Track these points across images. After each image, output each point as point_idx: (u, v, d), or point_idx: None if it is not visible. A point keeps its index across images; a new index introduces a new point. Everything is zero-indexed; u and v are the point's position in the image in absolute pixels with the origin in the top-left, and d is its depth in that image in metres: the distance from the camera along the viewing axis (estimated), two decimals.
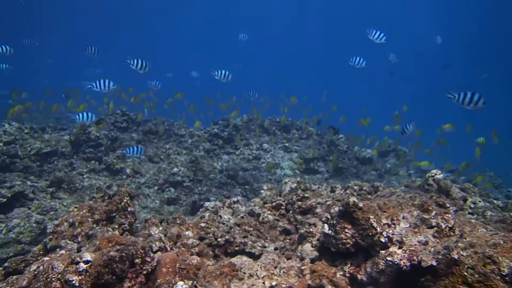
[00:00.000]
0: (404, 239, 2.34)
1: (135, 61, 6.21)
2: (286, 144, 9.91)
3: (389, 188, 3.94)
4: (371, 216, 2.46)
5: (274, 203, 3.72)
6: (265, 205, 3.73)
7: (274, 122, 10.77)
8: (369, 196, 3.60)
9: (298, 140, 10.31)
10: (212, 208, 3.99)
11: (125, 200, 3.20)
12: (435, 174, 4.07)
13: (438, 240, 2.32)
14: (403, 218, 2.49)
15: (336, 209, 2.69)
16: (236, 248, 3.03)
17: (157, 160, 8.06)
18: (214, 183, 7.89)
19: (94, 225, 2.99)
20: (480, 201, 3.70)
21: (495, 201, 3.94)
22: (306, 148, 9.92)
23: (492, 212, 3.56)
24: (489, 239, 2.11)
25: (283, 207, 3.71)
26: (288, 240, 3.27)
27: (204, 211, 3.97)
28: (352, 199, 2.52)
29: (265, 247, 3.14)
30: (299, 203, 3.55)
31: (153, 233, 3.14)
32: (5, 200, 5.13)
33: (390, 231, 2.41)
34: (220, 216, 3.49)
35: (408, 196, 2.74)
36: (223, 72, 7.44)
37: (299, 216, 3.45)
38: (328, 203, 3.46)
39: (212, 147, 9.31)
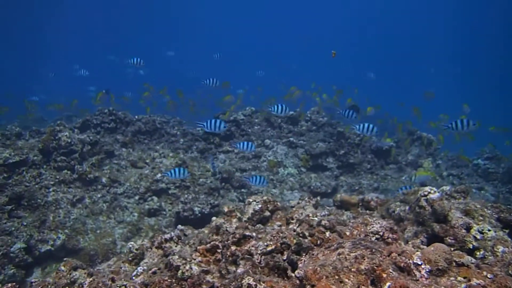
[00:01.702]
0: None
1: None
2: (291, 139, 8.83)
3: (362, 218, 2.85)
4: None
5: (208, 245, 2.77)
6: (199, 247, 2.80)
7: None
8: (325, 235, 2.55)
9: (305, 133, 9.18)
10: (136, 250, 3.12)
11: None
12: (429, 192, 2.92)
13: None
14: None
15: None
16: None
17: (141, 165, 7.34)
18: (203, 189, 7.05)
19: None
20: (489, 230, 2.56)
21: None
22: (314, 142, 8.80)
23: (507, 247, 2.44)
24: None
25: (219, 250, 2.76)
26: None
27: (115, 262, 3.11)
28: (248, 280, 1.53)
29: None
30: (233, 248, 2.57)
31: None
32: None
33: None
34: (125, 273, 2.61)
35: (353, 256, 1.71)
36: (212, 79, 8.08)
37: (232, 267, 2.49)
38: (269, 248, 2.46)
39: (208, 146, 8.45)
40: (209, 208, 6.39)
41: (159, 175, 6.86)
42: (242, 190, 7.55)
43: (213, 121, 5.53)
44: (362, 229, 2.70)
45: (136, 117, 9.29)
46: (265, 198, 3.78)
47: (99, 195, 6.28)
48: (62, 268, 2.79)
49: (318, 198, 4.33)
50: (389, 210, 3.65)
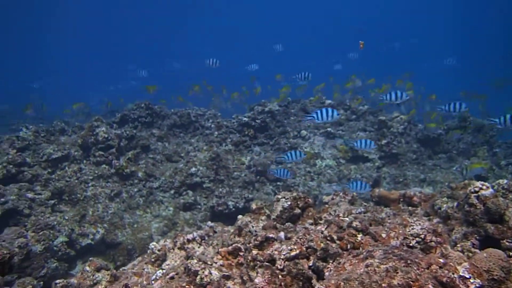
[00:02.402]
0: None
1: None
2: (328, 129, 8.43)
3: (401, 218, 2.51)
4: None
5: (230, 247, 2.60)
6: (220, 250, 2.63)
7: (316, 102, 9.30)
8: (357, 238, 2.26)
9: (344, 123, 8.72)
10: (158, 251, 3.03)
11: None
12: (480, 188, 2.51)
13: None
14: None
15: None
16: None
17: (176, 159, 7.37)
18: (237, 182, 6.93)
19: None
20: None
21: None
22: (354, 131, 8.33)
23: None
24: None
25: (242, 253, 2.58)
26: None
27: (139, 262, 3.03)
28: None
29: None
30: (255, 252, 2.37)
31: None
32: None
33: None
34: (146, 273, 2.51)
35: (384, 269, 1.43)
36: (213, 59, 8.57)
37: (254, 272, 2.29)
38: (293, 252, 2.23)
39: (242, 138, 8.31)
40: (243, 203, 6.26)
41: (194, 169, 6.83)
42: (278, 183, 7.33)
43: (324, 110, 5.26)
44: (401, 231, 2.38)
45: (172, 110, 9.38)
46: (295, 194, 3.54)
47: (135, 190, 6.39)
48: (87, 268, 2.78)
49: (355, 192, 4.00)
50: (434, 206, 3.25)
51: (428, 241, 2.33)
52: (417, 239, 2.33)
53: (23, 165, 6.29)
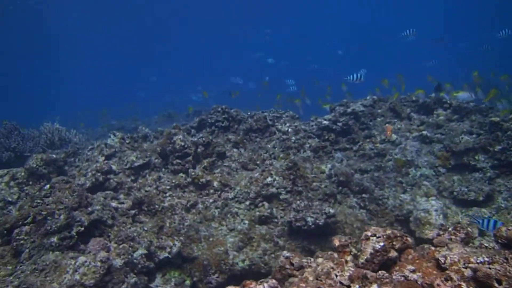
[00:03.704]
0: None
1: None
2: (424, 132, 7.27)
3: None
4: None
5: None
6: None
7: (408, 101, 8.15)
8: None
9: (443, 124, 7.45)
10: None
11: None
12: None
13: None
14: None
15: None
16: None
17: (252, 167, 7.04)
18: (317, 194, 6.33)
19: None
20: None
21: None
22: (457, 135, 7.05)
23: None
24: None
25: None
26: None
27: None
28: None
29: None
30: None
31: None
32: (82, 229, 5.07)
33: None
34: None
35: None
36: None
37: None
38: None
39: (322, 143, 7.64)
40: (323, 219, 5.64)
41: (269, 178, 6.42)
42: (363, 195, 6.53)
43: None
44: None
45: (249, 113, 9.12)
46: (389, 232, 2.84)
47: (211, 200, 6.22)
48: None
49: (469, 229, 3.12)
50: None
51: None
52: None
53: (110, 172, 6.57)
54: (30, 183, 6.49)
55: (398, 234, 2.86)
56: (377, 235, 2.86)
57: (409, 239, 2.90)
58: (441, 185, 6.51)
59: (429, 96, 8.03)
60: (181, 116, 15.87)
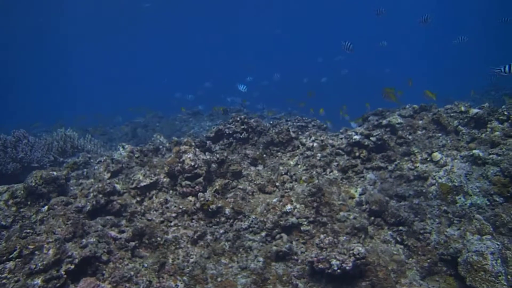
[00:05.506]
0: None
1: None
2: (475, 151, 6.10)
3: None
4: None
5: None
6: None
7: (455, 112, 6.95)
8: None
9: (500, 142, 6.24)
10: None
11: None
12: None
13: None
14: None
15: None
16: None
17: (270, 189, 6.20)
18: (344, 226, 5.40)
19: None
20: None
21: None
22: None
23: None
24: None
25: None
26: None
27: None
28: None
29: None
30: None
31: None
32: (73, 267, 4.47)
33: None
34: None
35: None
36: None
37: None
38: None
39: (352, 161, 6.65)
40: (352, 262, 4.72)
41: (289, 206, 5.56)
42: (400, 228, 5.53)
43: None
44: None
45: (271, 122, 8.25)
46: None
47: (221, 231, 5.45)
48: None
49: None
50: None
51: None
52: None
53: (113, 193, 5.95)
54: (29, 203, 5.98)
55: None
56: None
57: None
58: (498, 219, 5.38)
59: (482, 106, 6.81)
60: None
